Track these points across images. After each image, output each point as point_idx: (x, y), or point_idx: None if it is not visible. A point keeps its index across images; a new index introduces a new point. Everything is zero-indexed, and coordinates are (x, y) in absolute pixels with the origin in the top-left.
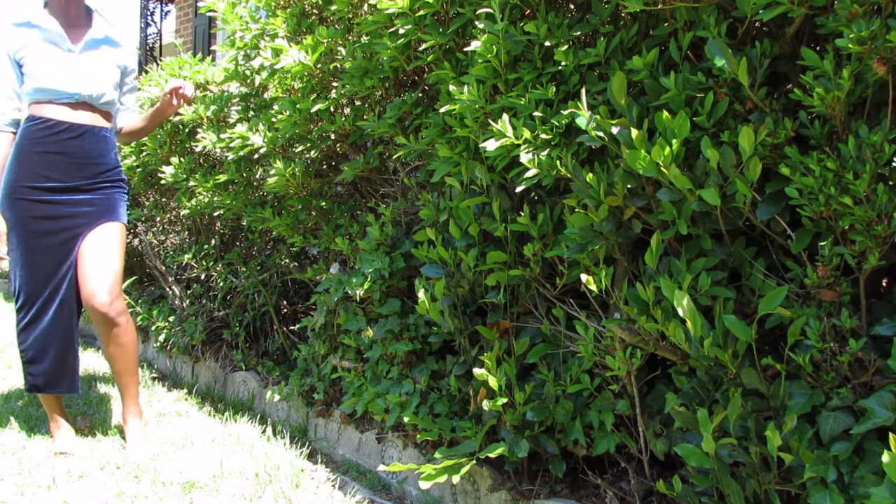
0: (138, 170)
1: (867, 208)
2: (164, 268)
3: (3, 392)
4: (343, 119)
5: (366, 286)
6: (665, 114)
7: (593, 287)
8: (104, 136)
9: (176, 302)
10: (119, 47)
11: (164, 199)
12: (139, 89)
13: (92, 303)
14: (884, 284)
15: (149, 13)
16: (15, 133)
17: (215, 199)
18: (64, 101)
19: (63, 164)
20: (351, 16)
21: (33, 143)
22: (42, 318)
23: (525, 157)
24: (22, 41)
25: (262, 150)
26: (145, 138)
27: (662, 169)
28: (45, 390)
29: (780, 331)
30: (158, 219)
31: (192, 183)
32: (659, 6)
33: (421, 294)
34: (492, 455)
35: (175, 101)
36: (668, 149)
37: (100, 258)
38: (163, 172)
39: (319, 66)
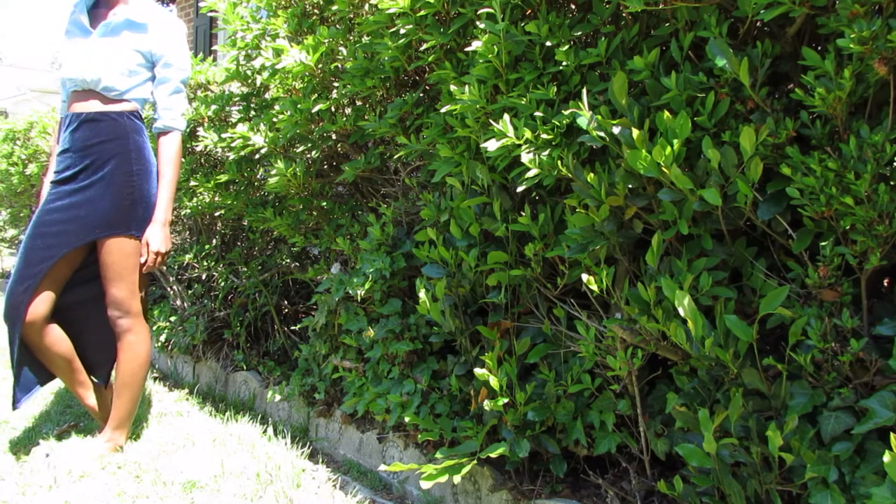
0: None
1: (868, 208)
2: (165, 268)
3: (4, 392)
4: (344, 119)
5: (367, 286)
6: (666, 114)
7: (594, 287)
8: (105, 122)
9: (177, 302)
10: (143, 32)
11: None
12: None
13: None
14: (885, 285)
15: None
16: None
17: (216, 198)
18: (77, 90)
19: (65, 160)
20: (352, 16)
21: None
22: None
23: (526, 157)
24: (64, 28)
25: (263, 150)
26: None
27: (663, 169)
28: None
29: (781, 331)
30: None
31: (193, 183)
32: (660, 6)
33: (422, 294)
34: (493, 455)
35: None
36: (669, 149)
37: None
38: None
39: (320, 66)
